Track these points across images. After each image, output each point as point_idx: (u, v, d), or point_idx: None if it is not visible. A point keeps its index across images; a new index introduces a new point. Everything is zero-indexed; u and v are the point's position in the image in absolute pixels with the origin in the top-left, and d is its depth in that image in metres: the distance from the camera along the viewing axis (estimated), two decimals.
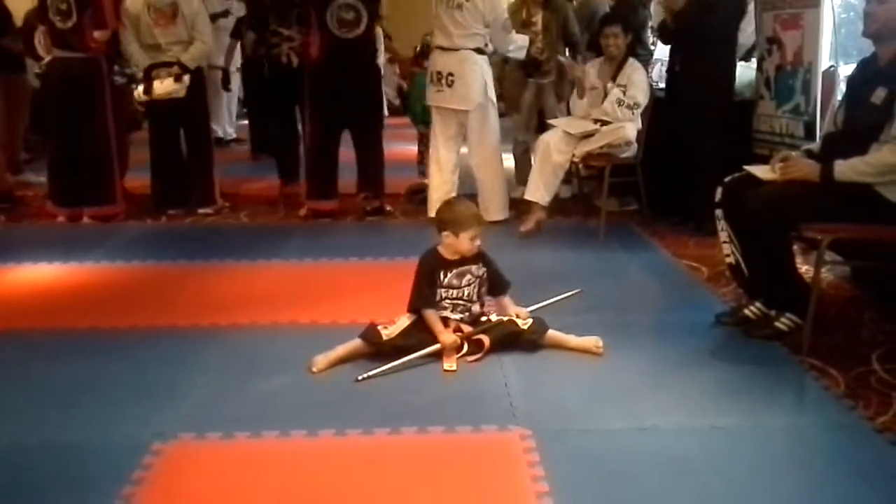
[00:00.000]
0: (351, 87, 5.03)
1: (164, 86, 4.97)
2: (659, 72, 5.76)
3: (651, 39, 5.79)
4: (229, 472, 2.22)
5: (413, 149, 6.62)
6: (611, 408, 2.60)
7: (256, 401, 2.64)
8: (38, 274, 4.09)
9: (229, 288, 3.84)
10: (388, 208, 5.35)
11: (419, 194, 5.71)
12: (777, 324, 3.13)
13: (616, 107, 4.72)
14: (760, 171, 3.22)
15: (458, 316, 3.03)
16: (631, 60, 4.87)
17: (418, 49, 6.52)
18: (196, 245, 4.63)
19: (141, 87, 5.04)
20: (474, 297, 3.08)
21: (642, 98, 4.77)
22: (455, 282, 3.04)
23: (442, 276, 3.03)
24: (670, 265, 4.24)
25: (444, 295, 3.03)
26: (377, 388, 2.74)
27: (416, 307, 3.02)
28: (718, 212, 3.29)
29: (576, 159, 4.88)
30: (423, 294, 3.02)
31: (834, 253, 3.22)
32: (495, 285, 3.19)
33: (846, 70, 4.13)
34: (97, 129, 5.06)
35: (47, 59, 5.25)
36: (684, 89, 4.71)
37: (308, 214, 5.26)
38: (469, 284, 3.06)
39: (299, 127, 5.69)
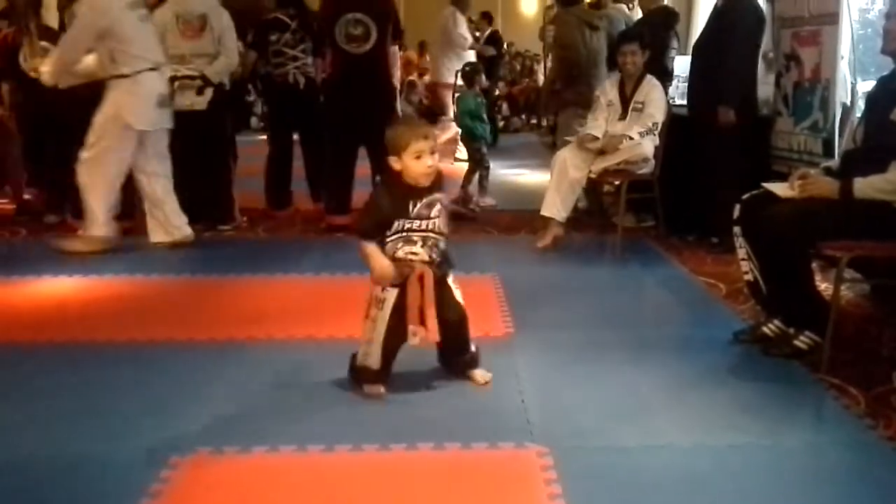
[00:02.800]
0: (365, 103, 5.04)
1: (185, 97, 4.98)
2: (677, 87, 5.76)
3: (672, 63, 5.73)
4: (246, 486, 2.23)
5: None
6: (628, 425, 2.59)
7: (274, 415, 2.65)
8: (58, 286, 4.13)
9: (246, 302, 3.86)
10: None
11: None
12: (796, 342, 3.11)
13: (638, 137, 4.71)
14: (779, 189, 3.21)
15: (427, 252, 2.72)
16: (648, 77, 4.87)
17: (467, 68, 6.54)
18: (214, 259, 4.67)
19: None
20: (443, 229, 2.76)
21: (660, 116, 4.78)
22: (424, 212, 2.71)
23: (412, 207, 2.69)
24: (688, 282, 4.23)
25: (413, 227, 2.70)
26: (393, 403, 2.74)
27: (360, 236, 2.73)
28: (737, 229, 3.28)
29: (593, 175, 4.88)
30: (363, 226, 2.75)
31: (853, 271, 3.20)
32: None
33: (865, 87, 4.12)
34: None
35: None
36: (703, 106, 4.70)
37: (324, 228, 5.29)
38: (439, 215, 2.74)
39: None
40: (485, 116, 6.22)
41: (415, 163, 2.66)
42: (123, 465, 2.32)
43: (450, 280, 2.83)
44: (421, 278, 2.68)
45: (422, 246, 2.72)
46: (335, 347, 3.19)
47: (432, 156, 2.67)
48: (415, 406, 2.72)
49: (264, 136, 6.14)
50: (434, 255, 2.74)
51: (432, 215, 2.73)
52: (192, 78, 5.03)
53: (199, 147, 5.15)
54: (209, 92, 5.06)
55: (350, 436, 2.48)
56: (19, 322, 3.58)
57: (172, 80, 4.98)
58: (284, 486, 2.23)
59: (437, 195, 2.74)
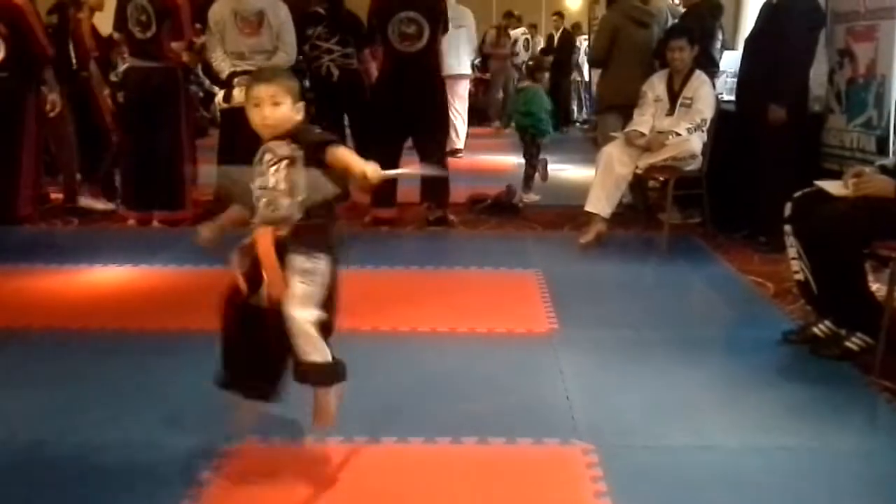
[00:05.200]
0: (415, 100, 5.08)
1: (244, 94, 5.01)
2: (725, 83, 5.68)
3: (720, 53, 5.68)
4: (294, 476, 2.25)
5: (474, 159, 6.66)
6: (674, 424, 2.57)
7: None
8: (109, 276, 4.22)
9: None
10: (452, 218, 5.37)
11: (480, 204, 5.74)
12: (847, 343, 3.06)
13: (686, 133, 4.66)
14: (832, 187, 3.16)
15: (267, 213, 2.25)
16: (697, 73, 4.81)
17: (531, 63, 6.64)
18: None
19: (221, 94, 5.09)
20: (281, 186, 2.24)
21: (709, 112, 4.71)
22: (261, 166, 2.28)
23: (258, 157, 2.30)
24: (735, 280, 4.17)
25: (257, 184, 2.28)
26: (437, 396, 2.76)
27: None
28: (788, 227, 3.23)
29: (639, 171, 4.84)
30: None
31: None
32: (313, 151, 2.22)
33: None
34: (171, 137, 5.20)
35: (123, 67, 5.41)
36: (754, 102, 4.63)
37: (369, 222, 5.32)
38: (273, 166, 2.25)
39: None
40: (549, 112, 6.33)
41: (252, 111, 2.28)
42: (174, 453, 2.36)
43: (299, 263, 2.20)
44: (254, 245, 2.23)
45: (263, 207, 2.26)
46: (379, 340, 3.22)
47: (275, 107, 2.24)
48: (458, 399, 2.73)
49: None
50: (273, 218, 2.23)
51: (265, 167, 2.26)
52: (251, 73, 5.02)
53: (257, 144, 5.21)
54: None
55: (396, 428, 2.50)
56: (74, 310, 3.66)
57: (232, 76, 5.00)
58: (329, 476, 2.25)
59: (271, 144, 2.27)
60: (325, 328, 2.26)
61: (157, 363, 3.03)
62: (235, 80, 4.99)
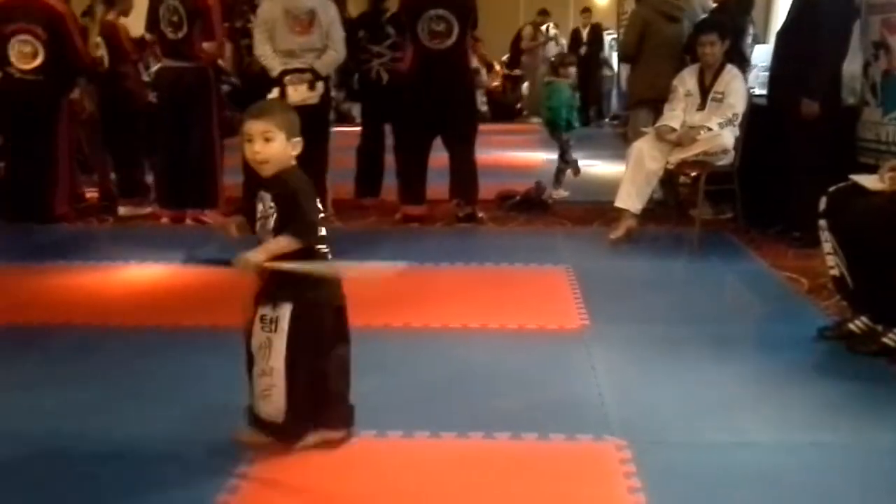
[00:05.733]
0: (444, 97, 5.10)
1: (298, 92, 4.94)
2: (756, 77, 5.62)
3: (750, 48, 5.62)
4: (327, 471, 2.27)
5: (503, 155, 6.67)
6: (708, 420, 2.56)
7: (352, 401, 2.69)
8: (144, 273, 4.28)
9: None
10: (481, 215, 5.38)
11: (509, 200, 5.74)
12: (884, 339, 3.02)
13: (717, 127, 4.62)
14: (868, 181, 3.12)
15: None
16: (729, 67, 4.77)
17: (554, 59, 6.70)
18: None
19: (276, 92, 4.99)
20: (263, 235, 2.27)
21: (740, 107, 4.67)
22: (259, 206, 2.30)
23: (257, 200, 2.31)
24: (768, 276, 4.13)
25: (258, 226, 2.32)
26: (469, 391, 2.77)
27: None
28: (822, 222, 3.20)
29: (670, 167, 4.81)
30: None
31: None
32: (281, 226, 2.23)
33: None
34: (203, 136, 5.27)
35: (155, 67, 5.48)
36: (786, 96, 4.58)
37: (399, 219, 5.34)
38: (267, 215, 2.26)
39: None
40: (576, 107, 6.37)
41: (245, 146, 2.24)
42: (211, 448, 2.38)
43: (273, 318, 2.22)
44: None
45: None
46: (411, 336, 3.23)
47: (266, 143, 2.21)
48: (490, 395, 2.73)
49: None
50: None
51: (259, 213, 2.28)
52: (301, 71, 5.00)
53: (307, 142, 5.25)
54: (320, 86, 5.06)
55: (428, 423, 2.51)
56: (110, 307, 3.72)
57: (283, 74, 4.98)
58: (362, 471, 2.27)
59: (261, 194, 2.27)
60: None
61: (192, 359, 3.07)
62: (287, 78, 4.97)
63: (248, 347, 2.31)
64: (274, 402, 2.25)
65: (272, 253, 2.19)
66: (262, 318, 2.24)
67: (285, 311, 2.22)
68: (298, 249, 2.21)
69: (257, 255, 2.19)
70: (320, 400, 2.32)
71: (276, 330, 2.22)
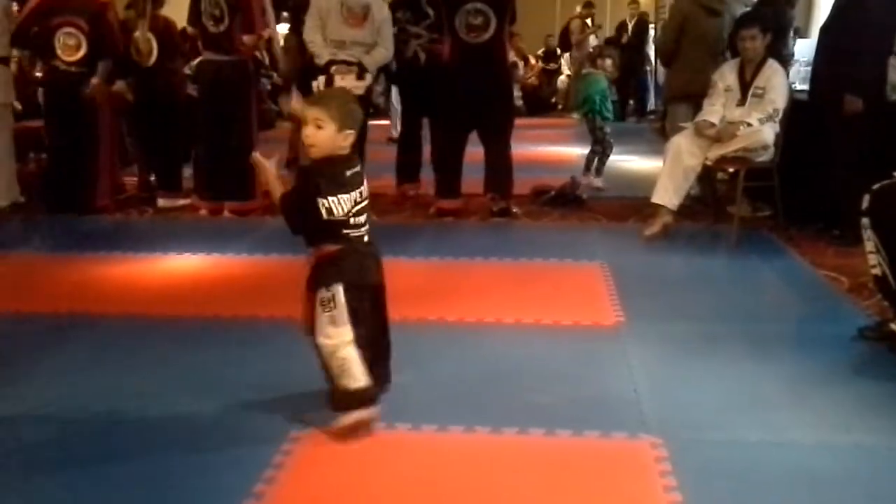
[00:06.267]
0: (480, 91, 5.08)
1: (346, 82, 4.97)
2: (798, 72, 5.53)
3: (793, 42, 5.54)
4: (362, 463, 2.30)
5: (538, 150, 6.65)
6: (746, 419, 2.53)
7: (387, 395, 2.71)
8: (184, 264, 4.34)
9: None
10: (515, 210, 5.37)
11: (544, 195, 5.72)
12: None
13: (757, 123, 4.57)
14: None
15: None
16: (770, 62, 4.69)
17: (594, 51, 6.75)
18: None
19: (322, 80, 5.04)
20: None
21: (781, 102, 4.60)
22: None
23: None
24: (808, 274, 4.08)
25: None
26: (504, 386, 2.77)
27: None
28: (865, 220, 3.14)
29: (709, 162, 4.76)
30: None
31: None
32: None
33: None
34: (242, 129, 5.31)
35: (196, 60, 5.54)
36: (829, 92, 4.50)
37: (434, 213, 5.35)
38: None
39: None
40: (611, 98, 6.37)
41: (303, 129, 2.46)
42: (248, 437, 2.43)
43: (329, 297, 2.43)
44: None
45: None
46: (446, 330, 3.24)
47: (317, 129, 2.39)
48: (524, 390, 2.73)
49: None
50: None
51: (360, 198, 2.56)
52: (348, 63, 5.04)
53: None
54: (368, 78, 5.11)
55: (462, 417, 2.52)
56: (151, 297, 3.78)
57: (330, 63, 5.03)
58: (397, 464, 2.29)
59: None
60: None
61: (230, 349, 3.11)
62: (333, 68, 5.02)
63: (314, 340, 2.47)
64: (353, 373, 2.40)
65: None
66: (322, 301, 2.43)
67: (339, 288, 2.42)
68: (325, 232, 2.47)
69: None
70: (386, 354, 2.64)
71: (336, 306, 2.41)
